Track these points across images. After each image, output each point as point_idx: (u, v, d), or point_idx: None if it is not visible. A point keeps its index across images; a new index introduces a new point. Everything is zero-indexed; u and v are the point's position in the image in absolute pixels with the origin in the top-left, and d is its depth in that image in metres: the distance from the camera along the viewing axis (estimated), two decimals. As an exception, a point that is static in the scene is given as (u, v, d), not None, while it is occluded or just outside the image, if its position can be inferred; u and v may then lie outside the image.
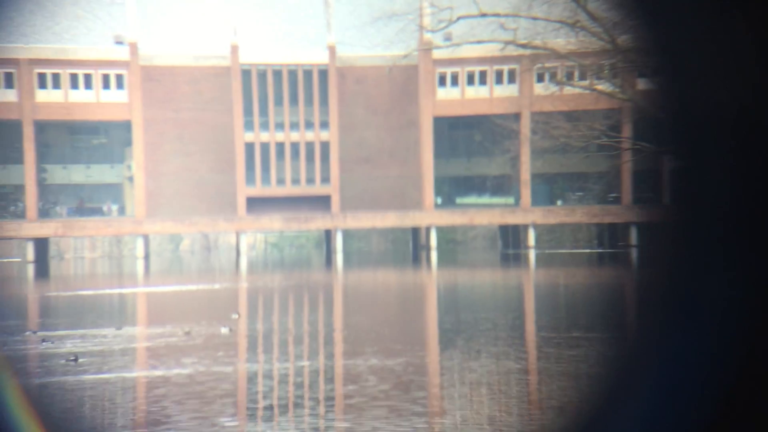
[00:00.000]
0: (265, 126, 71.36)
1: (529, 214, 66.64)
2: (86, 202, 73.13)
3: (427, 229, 67.90)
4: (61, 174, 73.51)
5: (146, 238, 69.87)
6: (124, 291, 40.55)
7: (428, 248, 66.53)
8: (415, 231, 72.00)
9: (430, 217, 67.73)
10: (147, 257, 68.49)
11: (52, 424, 11.68)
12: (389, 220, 67.04)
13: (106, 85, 69.90)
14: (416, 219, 67.82)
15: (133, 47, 69.37)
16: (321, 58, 70.67)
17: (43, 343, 20.28)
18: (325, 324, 24.78)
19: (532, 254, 61.02)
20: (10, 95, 68.58)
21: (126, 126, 71.72)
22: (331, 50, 70.53)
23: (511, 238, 69.60)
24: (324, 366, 16.89)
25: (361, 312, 27.87)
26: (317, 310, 29.71)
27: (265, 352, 19.27)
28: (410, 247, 73.44)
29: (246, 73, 70.83)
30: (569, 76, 56.41)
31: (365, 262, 62.36)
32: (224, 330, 22.25)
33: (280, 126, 71.45)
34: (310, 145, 71.15)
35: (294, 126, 71.50)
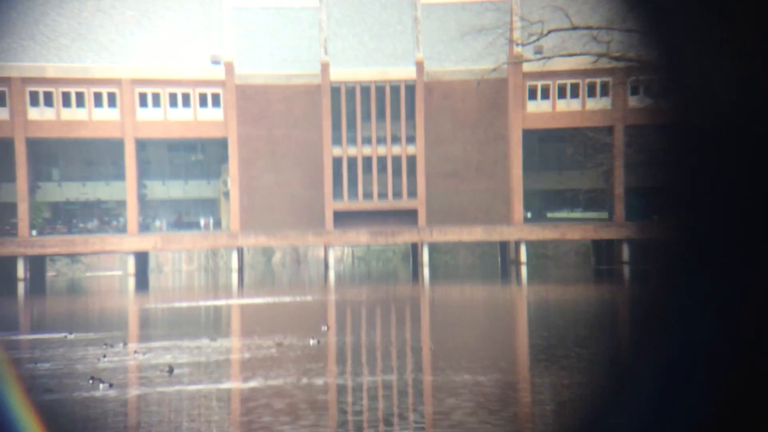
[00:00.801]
0: (352, 141, 72.27)
1: (623, 229, 65.50)
2: (184, 217, 75.27)
3: (517, 244, 67.40)
4: (160, 189, 75.89)
5: (240, 251, 71.44)
6: (218, 303, 41.56)
7: (518, 263, 66.05)
8: (504, 245, 71.57)
9: (519, 231, 67.26)
10: (241, 270, 70.00)
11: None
12: (476, 234, 66.86)
13: (203, 103, 71.96)
14: (504, 233, 67.44)
15: (229, 67, 71.26)
16: (408, 73, 71.30)
17: (136, 354, 20.97)
18: (412, 338, 24.94)
19: (626, 270, 59.99)
20: (113, 114, 71.24)
21: (222, 143, 73.62)
22: (419, 65, 71.02)
23: (605, 253, 68.53)
24: (413, 381, 17.03)
25: (449, 327, 27.94)
26: (404, 324, 29.90)
27: (354, 365, 19.51)
28: (498, 261, 73.01)
29: (335, 90, 71.93)
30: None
31: (452, 276, 62.33)
32: (313, 342, 22.63)
33: (367, 141, 72.24)
34: (396, 160, 71.68)
35: (381, 140, 72.20)
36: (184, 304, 41.03)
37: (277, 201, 73.46)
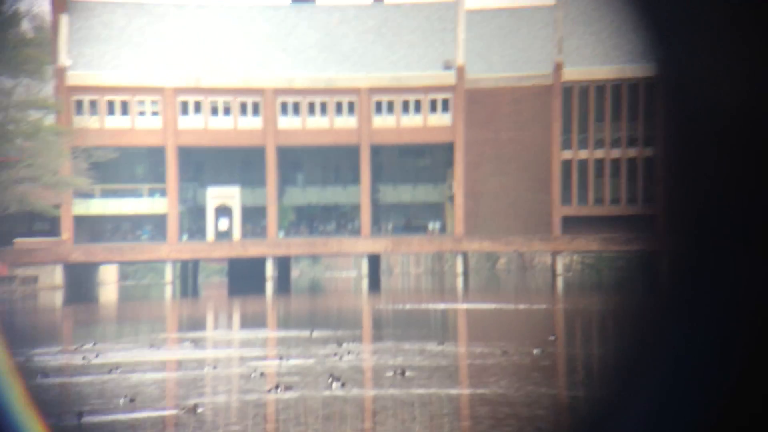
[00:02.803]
0: (583, 143, 70.94)
1: None
2: (412, 221, 77.23)
3: None
4: (391, 194, 78.28)
5: (465, 255, 72.21)
6: (444, 307, 42.33)
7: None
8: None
9: None
10: (465, 274, 70.75)
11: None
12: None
13: (433, 108, 73.49)
14: None
15: (461, 71, 72.30)
16: (649, 71, 68.99)
17: (365, 355, 21.73)
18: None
19: None
20: (351, 122, 74.38)
21: (448, 147, 74.76)
22: (658, 64, 68.63)
23: None
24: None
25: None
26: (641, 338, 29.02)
27: (586, 378, 19.25)
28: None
29: (567, 90, 70.94)
30: None
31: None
32: (536, 352, 22.52)
33: (599, 143, 70.68)
34: (631, 162, 69.58)
35: (615, 143, 70.39)
36: (413, 306, 42.15)
37: (502, 205, 73.56)
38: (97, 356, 23.56)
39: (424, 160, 78.63)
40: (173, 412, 14.54)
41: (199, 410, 14.46)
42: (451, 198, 74.72)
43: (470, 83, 73.13)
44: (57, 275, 71.51)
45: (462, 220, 72.29)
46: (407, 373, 18.52)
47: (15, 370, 21.80)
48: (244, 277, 74.58)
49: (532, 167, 72.51)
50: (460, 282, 65.50)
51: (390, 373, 18.53)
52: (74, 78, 73.58)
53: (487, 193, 73.96)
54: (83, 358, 23.08)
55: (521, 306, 40.14)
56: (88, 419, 14.05)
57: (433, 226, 75.37)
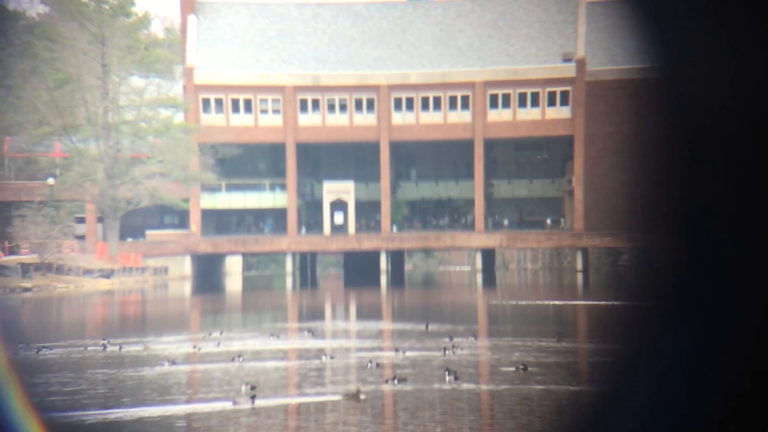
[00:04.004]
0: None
1: None
2: (526, 216, 76.31)
3: None
4: (506, 188, 77.62)
5: (585, 251, 70.90)
6: (563, 303, 41.68)
7: None
8: None
9: None
10: (585, 271, 69.45)
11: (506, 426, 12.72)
12: None
13: (551, 102, 72.42)
14: None
15: (581, 64, 70.98)
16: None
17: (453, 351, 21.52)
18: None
19: None
20: (465, 116, 74.11)
21: (567, 141, 73.53)
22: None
23: None
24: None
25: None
26: None
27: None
28: None
29: (690, 84, 69.01)
30: None
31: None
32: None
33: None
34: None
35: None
36: (530, 303, 41.69)
37: (623, 201, 71.89)
38: (218, 345, 24.26)
39: (542, 154, 77.58)
40: (336, 397, 14.95)
41: (362, 397, 14.80)
42: (570, 193, 73.47)
43: (591, 75, 71.73)
44: (186, 266, 74.20)
45: (581, 216, 71.03)
46: (529, 369, 18.30)
47: (143, 357, 22.67)
48: (359, 270, 75.47)
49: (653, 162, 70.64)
50: (579, 279, 64.34)
51: (512, 368, 18.35)
52: (201, 77, 75.98)
53: (608, 188, 72.42)
54: (196, 347, 23.75)
55: (644, 304, 38.98)
56: (261, 401, 14.61)
57: (551, 221, 74.31)
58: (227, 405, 14.47)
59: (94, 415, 13.82)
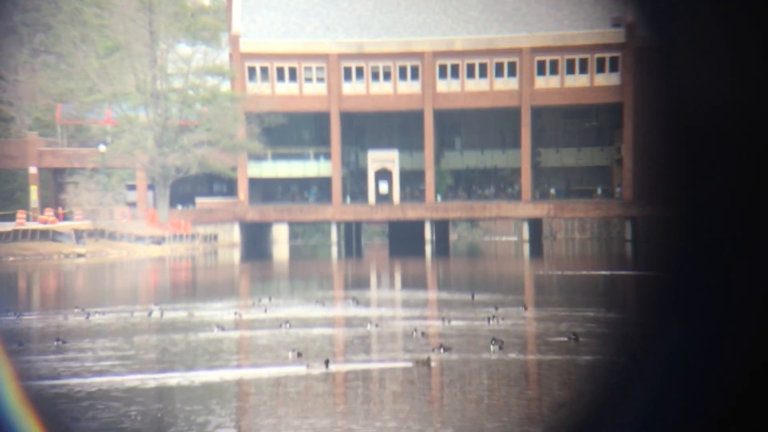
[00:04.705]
0: None
1: None
2: (573, 185, 75.52)
3: None
4: (553, 157, 76.82)
5: (634, 221, 70.09)
6: (612, 274, 41.34)
7: None
8: None
9: None
10: (634, 241, 68.71)
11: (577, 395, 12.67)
12: None
13: (600, 68, 71.30)
14: None
15: (631, 28, 69.55)
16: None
17: (493, 320, 21.42)
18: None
19: None
20: (512, 83, 73.30)
21: (617, 108, 72.43)
22: None
23: None
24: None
25: None
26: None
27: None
28: None
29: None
30: None
31: None
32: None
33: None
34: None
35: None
36: (578, 273, 41.41)
37: (671, 169, 70.82)
38: (266, 311, 24.50)
39: (590, 122, 76.54)
40: (407, 364, 15.13)
41: (433, 364, 14.96)
42: (619, 161, 72.50)
43: (641, 41, 70.34)
44: (234, 233, 75.03)
45: (630, 185, 70.08)
46: (580, 339, 18.19)
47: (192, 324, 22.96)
48: (403, 240, 75.52)
49: (705, 129, 69.38)
50: (628, 249, 63.66)
51: (562, 339, 18.26)
52: (247, 45, 76.12)
53: (658, 157, 71.27)
54: (237, 314, 24.00)
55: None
56: (334, 366, 14.84)
57: (600, 190, 73.45)
58: (301, 369, 14.66)
59: (152, 379, 14.04)
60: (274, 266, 56.91)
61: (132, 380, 14.05)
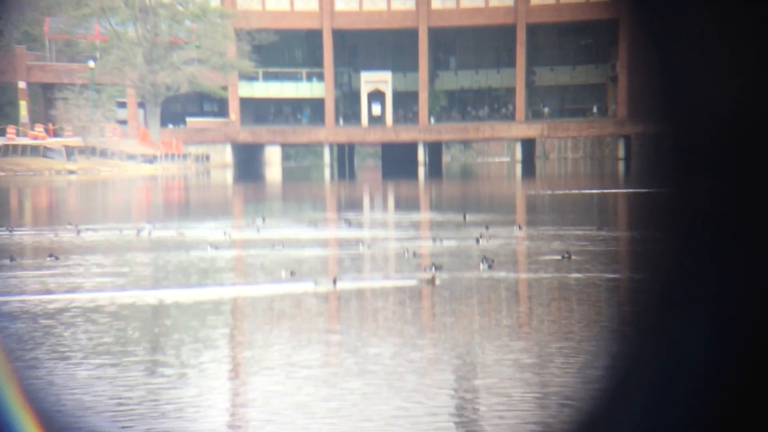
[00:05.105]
0: None
1: None
2: (568, 104, 75.16)
3: None
4: (548, 76, 76.18)
5: (628, 139, 70.03)
6: (603, 192, 41.49)
7: None
8: None
9: None
10: (627, 158, 68.75)
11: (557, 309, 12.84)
12: None
13: (595, -15, 70.22)
14: None
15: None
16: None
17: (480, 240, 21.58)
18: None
19: None
20: (507, 0, 72.19)
21: (613, 24, 71.50)
22: None
23: None
24: None
25: None
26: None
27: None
28: None
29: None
30: None
31: None
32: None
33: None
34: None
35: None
36: (568, 191, 41.53)
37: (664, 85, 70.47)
38: (258, 231, 24.59)
39: (585, 39, 75.72)
40: (412, 282, 15.35)
41: (437, 282, 15.14)
42: (614, 79, 72.04)
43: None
44: (227, 154, 74.89)
45: (625, 102, 69.79)
46: (573, 257, 18.36)
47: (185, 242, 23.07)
48: (396, 162, 75.48)
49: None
50: (621, 166, 63.75)
51: (558, 257, 18.42)
52: (236, -41, 74.59)
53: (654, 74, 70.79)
54: (225, 234, 24.14)
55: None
56: (341, 284, 15.02)
57: (598, 108, 73.14)
58: (309, 286, 14.81)
59: (147, 295, 14.17)
60: (266, 188, 56.92)
61: (126, 296, 14.17)
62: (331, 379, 8.65)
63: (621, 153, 68.90)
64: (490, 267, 16.96)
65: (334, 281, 15.06)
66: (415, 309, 13.35)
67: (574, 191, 41.76)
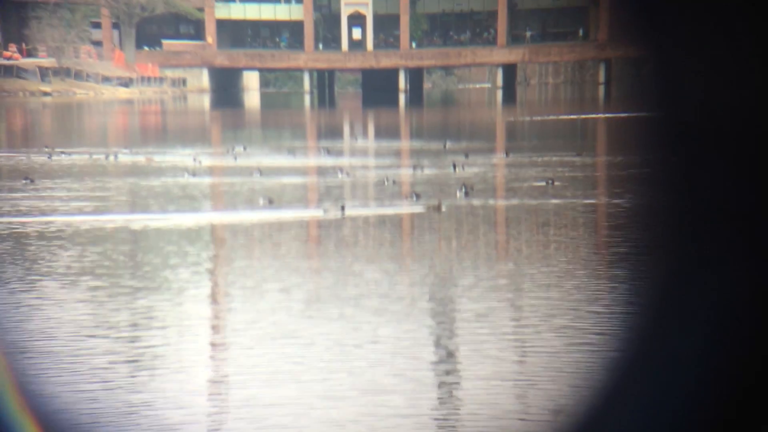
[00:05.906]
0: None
1: None
2: (550, 27, 74.42)
3: None
4: (530, 2, 75.24)
5: (608, 63, 69.67)
6: (583, 117, 41.48)
7: None
8: None
9: None
10: (607, 83, 68.53)
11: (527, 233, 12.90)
12: None
13: None
14: None
15: None
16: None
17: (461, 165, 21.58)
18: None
19: None
20: None
21: (595, -51, 70.44)
22: None
23: None
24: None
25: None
26: None
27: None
28: None
29: None
30: None
31: None
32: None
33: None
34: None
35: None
36: (548, 117, 41.47)
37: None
38: (236, 159, 24.45)
39: (569, -38, 74.69)
40: (419, 209, 15.38)
41: (443, 209, 15.19)
42: (596, 1, 71.31)
43: None
44: (204, 79, 73.85)
45: (606, 25, 69.19)
46: (556, 183, 18.45)
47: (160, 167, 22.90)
48: (377, 89, 74.82)
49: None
50: (601, 91, 63.58)
51: (542, 183, 18.49)
52: None
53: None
54: (196, 161, 24.06)
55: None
56: (349, 210, 15.05)
57: (583, 32, 72.42)
58: (318, 213, 14.84)
59: (124, 220, 14.10)
60: (245, 114, 56.38)
61: (104, 220, 14.12)
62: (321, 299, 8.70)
63: (601, 77, 68.60)
64: (467, 195, 16.99)
65: (342, 209, 15.11)
66: (400, 236, 13.40)
67: (552, 117, 41.71)
